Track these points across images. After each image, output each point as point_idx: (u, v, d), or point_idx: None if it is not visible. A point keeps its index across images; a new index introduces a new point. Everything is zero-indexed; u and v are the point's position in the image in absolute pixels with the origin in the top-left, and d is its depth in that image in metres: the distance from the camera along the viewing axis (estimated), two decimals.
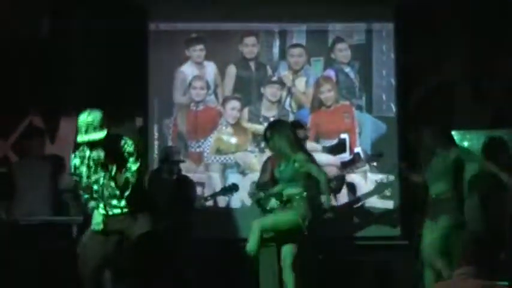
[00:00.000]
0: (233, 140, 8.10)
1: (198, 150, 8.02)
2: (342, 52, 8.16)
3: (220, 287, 7.54)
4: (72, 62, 8.03)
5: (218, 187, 7.78)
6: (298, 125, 7.13)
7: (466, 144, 7.68)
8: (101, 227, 5.78)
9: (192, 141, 8.03)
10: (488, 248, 4.42)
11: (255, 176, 7.69)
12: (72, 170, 5.83)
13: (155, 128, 8.01)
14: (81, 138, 5.62)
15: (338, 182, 7.22)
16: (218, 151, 8.07)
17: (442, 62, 8.15)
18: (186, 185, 7.37)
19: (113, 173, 5.72)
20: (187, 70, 8.15)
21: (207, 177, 7.99)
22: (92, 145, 5.66)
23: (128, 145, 5.74)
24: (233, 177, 7.93)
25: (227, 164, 8.05)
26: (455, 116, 8.01)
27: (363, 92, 8.12)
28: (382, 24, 8.15)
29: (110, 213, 5.81)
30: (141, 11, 8.05)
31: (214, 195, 7.45)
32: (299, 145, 6.57)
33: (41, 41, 7.79)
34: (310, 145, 7.57)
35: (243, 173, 8.01)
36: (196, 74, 8.15)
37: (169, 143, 7.94)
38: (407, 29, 8.18)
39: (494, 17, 7.83)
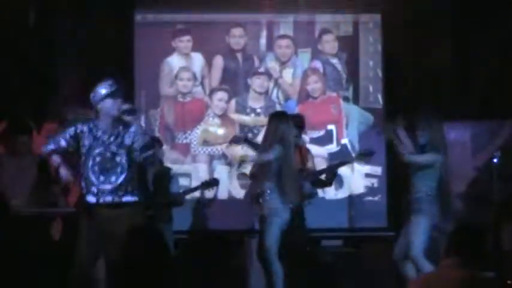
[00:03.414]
0: (220, 131, 8.09)
1: (185, 141, 8.01)
2: (329, 43, 8.16)
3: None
4: (58, 54, 7.99)
5: (205, 178, 7.76)
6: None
7: (452, 135, 7.68)
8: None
9: (179, 133, 8.01)
10: (476, 238, 4.44)
11: (242, 167, 7.71)
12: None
13: (142, 119, 7.98)
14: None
15: (329, 174, 7.06)
16: (205, 142, 8.06)
17: (429, 53, 8.16)
18: (167, 178, 7.22)
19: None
20: (174, 61, 8.13)
21: (194, 168, 7.98)
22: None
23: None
24: (220, 169, 7.93)
25: (214, 155, 8.04)
26: (442, 107, 8.03)
27: (350, 84, 8.13)
28: (369, 16, 8.16)
29: (101, 200, 5.42)
30: (128, 2, 8.02)
31: (193, 190, 7.25)
32: None
33: (26, 33, 7.74)
34: None
35: (230, 164, 8.01)
36: (183, 65, 8.13)
37: (157, 135, 7.92)
38: (394, 20, 8.19)
39: (480, 8, 7.84)
